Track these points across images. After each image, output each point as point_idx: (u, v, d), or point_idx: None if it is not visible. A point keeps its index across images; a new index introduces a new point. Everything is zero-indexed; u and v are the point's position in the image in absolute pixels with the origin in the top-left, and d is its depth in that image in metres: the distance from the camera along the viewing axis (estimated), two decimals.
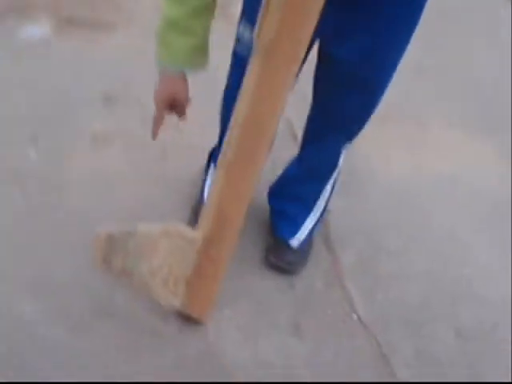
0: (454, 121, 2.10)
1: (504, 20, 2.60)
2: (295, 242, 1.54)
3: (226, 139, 1.15)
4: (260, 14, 0.98)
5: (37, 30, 2.14)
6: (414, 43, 1.24)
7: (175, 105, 1.25)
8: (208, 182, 1.63)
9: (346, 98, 1.31)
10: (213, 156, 1.65)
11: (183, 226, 1.25)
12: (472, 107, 2.17)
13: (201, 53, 1.21)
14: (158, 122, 1.27)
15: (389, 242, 1.68)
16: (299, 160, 1.54)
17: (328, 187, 1.55)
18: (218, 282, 1.33)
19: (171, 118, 1.26)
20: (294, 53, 1.03)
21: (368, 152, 1.91)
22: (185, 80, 1.23)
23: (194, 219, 1.56)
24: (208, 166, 1.66)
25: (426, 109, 2.13)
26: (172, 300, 1.32)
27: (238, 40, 1.28)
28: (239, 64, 1.26)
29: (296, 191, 1.55)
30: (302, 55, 1.04)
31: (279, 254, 1.54)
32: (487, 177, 1.93)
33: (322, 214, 1.58)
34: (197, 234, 1.23)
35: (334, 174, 1.53)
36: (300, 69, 1.14)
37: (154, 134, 1.29)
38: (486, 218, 1.80)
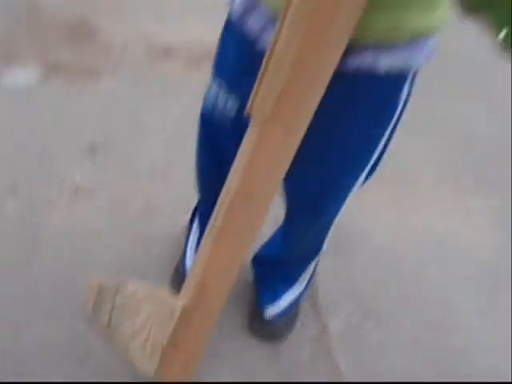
0: (444, 179, 2.08)
1: (493, 76, 2.63)
2: (269, 313, 1.46)
3: (217, 205, 1.08)
4: (256, 83, 0.92)
5: (22, 75, 2.10)
6: None
7: None
8: (191, 240, 1.56)
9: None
10: (195, 215, 1.58)
11: (166, 292, 1.17)
12: (461, 165, 2.15)
13: None
14: None
15: (377, 307, 1.62)
16: (283, 238, 1.43)
17: (311, 267, 1.47)
18: (197, 356, 1.25)
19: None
20: (296, 125, 0.95)
21: (356, 211, 1.86)
22: None
23: (176, 280, 1.49)
24: (191, 223, 1.60)
25: (415, 166, 2.11)
26: (147, 367, 1.23)
27: (208, 99, 1.17)
28: (206, 126, 1.23)
29: (278, 269, 1.47)
30: (305, 128, 0.96)
31: (262, 321, 1.47)
32: (477, 235, 1.89)
33: (304, 289, 1.50)
34: (177, 303, 1.16)
35: (319, 255, 1.45)
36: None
37: None
38: (477, 280, 1.75)
